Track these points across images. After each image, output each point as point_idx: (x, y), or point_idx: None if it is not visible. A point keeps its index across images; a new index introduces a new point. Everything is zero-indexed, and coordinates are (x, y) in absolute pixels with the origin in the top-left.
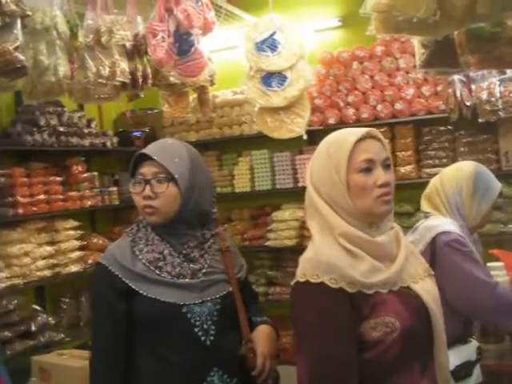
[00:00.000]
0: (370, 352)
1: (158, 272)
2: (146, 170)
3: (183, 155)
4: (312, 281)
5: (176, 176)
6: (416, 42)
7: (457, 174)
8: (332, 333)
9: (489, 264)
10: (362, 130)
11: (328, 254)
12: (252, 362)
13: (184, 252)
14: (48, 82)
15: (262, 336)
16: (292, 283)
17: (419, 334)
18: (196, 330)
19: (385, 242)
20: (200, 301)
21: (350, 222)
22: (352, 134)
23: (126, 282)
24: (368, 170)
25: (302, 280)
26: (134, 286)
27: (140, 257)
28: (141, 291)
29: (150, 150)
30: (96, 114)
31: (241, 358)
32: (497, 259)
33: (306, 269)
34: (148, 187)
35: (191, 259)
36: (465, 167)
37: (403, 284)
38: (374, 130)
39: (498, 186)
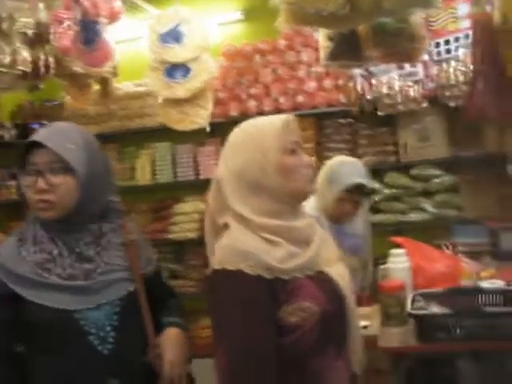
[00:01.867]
0: (289, 337)
1: (45, 275)
2: (38, 158)
3: (78, 141)
4: (229, 268)
5: (73, 165)
6: (321, 35)
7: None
8: (251, 320)
9: (391, 251)
10: (284, 116)
11: (245, 242)
12: (159, 369)
13: (77, 250)
14: None
15: (168, 340)
16: (207, 272)
17: (335, 317)
18: (91, 338)
19: (303, 226)
20: (95, 305)
21: (273, 207)
22: (275, 119)
23: (10, 286)
24: (294, 151)
25: (218, 267)
26: (18, 291)
27: (27, 258)
28: (26, 296)
29: (41, 135)
30: None
31: (147, 365)
32: (398, 246)
33: (222, 256)
34: (41, 179)
35: (85, 258)
36: (331, 160)
37: (318, 268)
38: (292, 117)
39: (346, 180)
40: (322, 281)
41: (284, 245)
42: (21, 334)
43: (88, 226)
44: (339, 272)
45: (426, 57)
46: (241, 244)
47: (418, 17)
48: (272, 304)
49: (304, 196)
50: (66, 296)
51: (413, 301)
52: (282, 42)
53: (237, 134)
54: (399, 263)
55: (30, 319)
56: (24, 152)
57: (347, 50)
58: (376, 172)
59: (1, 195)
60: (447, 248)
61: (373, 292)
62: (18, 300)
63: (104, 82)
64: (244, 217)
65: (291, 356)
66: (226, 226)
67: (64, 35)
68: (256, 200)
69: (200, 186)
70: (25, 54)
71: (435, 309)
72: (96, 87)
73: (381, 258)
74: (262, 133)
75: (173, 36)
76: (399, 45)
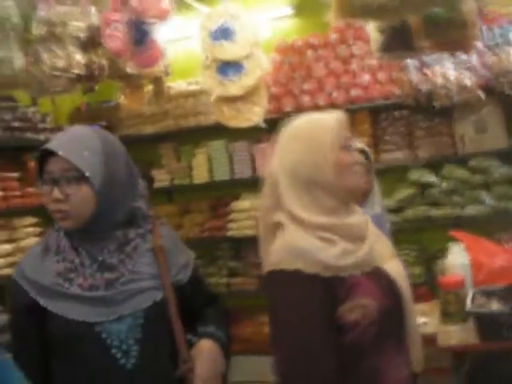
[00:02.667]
0: (348, 335)
1: (67, 285)
2: (53, 166)
3: (94, 146)
4: (286, 268)
5: (87, 174)
6: (371, 27)
7: None
8: (309, 320)
9: (450, 246)
10: (337, 112)
11: (300, 241)
12: None
13: (100, 259)
14: (3, 76)
15: (200, 353)
16: (264, 272)
17: (393, 313)
18: (113, 351)
19: (357, 223)
20: (116, 317)
21: (328, 203)
22: (329, 115)
23: (32, 296)
24: (348, 148)
25: (276, 268)
26: (41, 302)
27: (50, 268)
28: (47, 307)
29: (54, 143)
30: (50, 108)
31: (179, 380)
32: (457, 241)
33: (279, 256)
34: (56, 189)
35: (107, 266)
36: None
37: (374, 265)
38: (344, 114)
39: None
40: (379, 277)
41: (339, 242)
42: (45, 344)
43: (112, 234)
44: (395, 268)
45: (479, 44)
46: (296, 243)
47: (469, 4)
48: (330, 303)
49: (358, 193)
50: (87, 307)
51: (473, 298)
52: (333, 36)
53: (290, 130)
54: (458, 258)
55: (53, 330)
56: (40, 160)
57: (399, 41)
58: (433, 165)
59: None
60: (507, 242)
61: (431, 287)
62: (40, 310)
63: (157, 81)
64: (298, 216)
65: (351, 354)
66: (279, 225)
67: (114, 37)
68: (310, 197)
69: (257, 183)
70: (78, 57)
71: (496, 306)
72: (149, 87)
73: (439, 253)
74: (318, 129)
75: (223, 33)
76: (451, 34)
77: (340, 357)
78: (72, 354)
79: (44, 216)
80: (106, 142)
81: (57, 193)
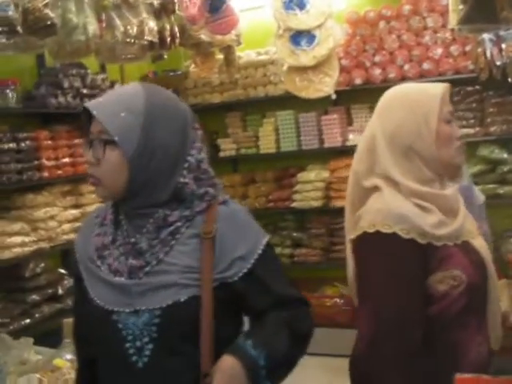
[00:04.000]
0: (435, 307)
1: (99, 263)
2: (93, 127)
3: (135, 106)
4: (383, 231)
5: (116, 138)
6: None
7: None
8: (403, 283)
9: None
10: (442, 84)
11: (399, 206)
12: None
13: (132, 240)
14: (77, 42)
15: (219, 372)
16: (356, 235)
17: (480, 288)
18: (127, 345)
19: (452, 195)
20: (132, 309)
21: (424, 173)
22: (436, 86)
23: (78, 267)
24: (450, 121)
25: (371, 230)
26: (81, 275)
27: (93, 240)
28: (85, 283)
29: (94, 101)
30: (118, 76)
31: None
32: None
33: (375, 219)
34: (90, 151)
35: (136, 251)
36: None
37: (464, 238)
38: (449, 86)
39: None
40: (469, 251)
41: (435, 212)
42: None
43: (153, 212)
44: (481, 244)
45: None
46: (395, 207)
47: None
48: (423, 270)
49: (454, 168)
50: (109, 293)
51: None
52: (406, 8)
53: (395, 94)
54: None
55: (80, 310)
56: (86, 120)
57: (482, 12)
58: (505, 141)
59: None
60: None
61: (500, 266)
62: (83, 284)
63: (227, 50)
64: (395, 180)
65: (436, 325)
66: (373, 189)
67: (191, 4)
68: (408, 164)
69: (324, 155)
70: (151, 24)
71: None
72: (219, 56)
73: (509, 231)
74: (425, 97)
75: (297, 3)
76: None
77: (425, 327)
78: (92, 339)
79: None
80: (153, 101)
81: (89, 156)
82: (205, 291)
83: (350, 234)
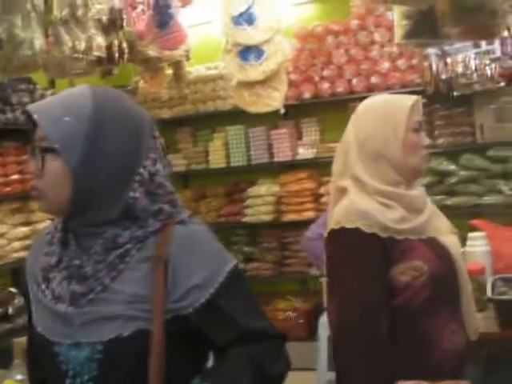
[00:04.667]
0: (399, 298)
1: (43, 287)
2: (36, 133)
3: (81, 109)
4: (347, 226)
5: (56, 145)
6: (396, 13)
7: None
8: (366, 276)
9: (470, 234)
10: (412, 96)
11: (362, 204)
12: None
13: (77, 262)
14: (24, 57)
15: None
16: (326, 232)
17: (446, 279)
18: (67, 382)
19: (416, 195)
20: (73, 342)
21: (392, 177)
22: (406, 97)
23: (27, 288)
24: (418, 130)
25: (336, 227)
26: (30, 296)
27: (41, 260)
28: (31, 306)
29: (37, 104)
30: None
31: None
32: (475, 230)
33: (340, 216)
34: (34, 161)
35: (79, 276)
36: None
37: (430, 235)
38: (419, 97)
39: None
40: (434, 245)
41: (398, 209)
42: None
43: (102, 232)
44: (450, 241)
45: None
46: (358, 205)
47: None
48: (385, 262)
49: (419, 173)
50: (50, 321)
51: (493, 286)
52: (354, 22)
53: (367, 105)
54: (478, 246)
55: (32, 334)
56: (31, 126)
57: (425, 27)
58: (452, 153)
59: None
60: None
61: None
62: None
63: (177, 65)
64: (362, 181)
65: (402, 315)
66: (344, 190)
67: (139, 20)
68: (376, 168)
69: (274, 169)
70: (99, 40)
71: None
72: (169, 71)
73: None
74: (394, 108)
75: (246, 18)
76: (479, 21)
77: (390, 318)
78: (38, 366)
79: None
80: (101, 105)
81: (32, 165)
82: (154, 324)
83: None
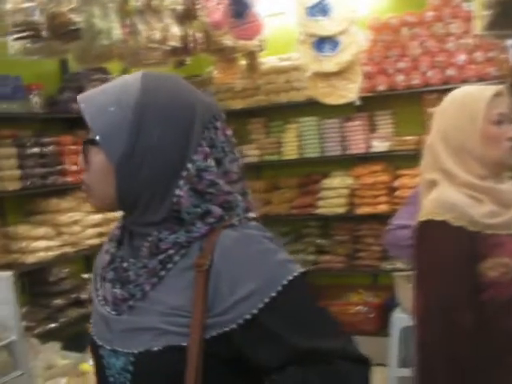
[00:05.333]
0: (485, 293)
1: (98, 285)
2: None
3: (127, 100)
4: (435, 218)
5: (97, 137)
6: (476, 3)
7: None
8: (452, 269)
9: None
10: (495, 87)
11: (451, 196)
12: None
13: (124, 265)
14: (101, 46)
15: None
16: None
17: None
18: None
19: (505, 190)
20: (112, 348)
21: (477, 170)
22: (487, 89)
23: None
24: (500, 122)
25: (424, 219)
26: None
27: (100, 256)
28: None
29: (87, 93)
30: None
31: None
32: None
33: (428, 209)
34: (82, 154)
35: (123, 279)
36: None
37: None
38: (504, 88)
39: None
40: None
41: (487, 203)
42: None
43: (148, 233)
44: None
45: None
46: (447, 197)
47: None
48: (472, 257)
49: (503, 167)
50: (99, 322)
51: None
52: (429, 14)
53: (448, 98)
54: None
55: None
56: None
57: (508, 18)
58: None
59: None
60: None
61: None
62: None
63: (251, 56)
64: (451, 173)
65: (486, 312)
66: (434, 183)
67: (215, 9)
68: (460, 161)
69: (347, 161)
70: (174, 29)
71: None
72: (242, 62)
73: None
74: (472, 100)
75: (320, 9)
76: None
77: (475, 312)
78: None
79: None
80: (149, 93)
81: (80, 159)
82: (191, 341)
83: None
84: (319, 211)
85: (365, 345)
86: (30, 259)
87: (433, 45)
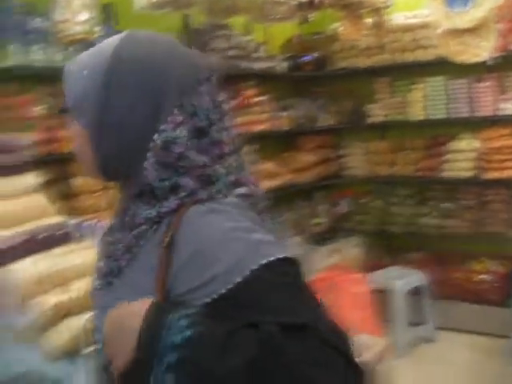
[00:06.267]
0: None
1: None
2: None
3: (100, 63)
4: None
5: (69, 104)
6: None
7: None
8: None
9: None
10: None
11: None
12: None
13: (109, 239)
14: (225, 1)
15: None
16: None
17: None
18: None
19: None
20: (95, 324)
21: None
22: None
23: None
24: None
25: None
26: None
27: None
28: None
29: (77, 57)
30: (262, 38)
31: None
32: None
33: None
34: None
35: (107, 252)
36: None
37: None
38: None
39: None
40: None
41: None
42: None
43: (128, 207)
44: None
45: None
46: None
47: None
48: None
49: None
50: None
51: None
52: None
53: None
54: None
55: None
56: None
57: None
58: None
59: (273, 126)
60: None
61: None
62: None
63: (377, 13)
64: None
65: None
66: None
67: None
68: None
69: (474, 124)
70: None
71: None
72: (368, 19)
73: None
74: None
75: None
76: None
77: None
78: None
79: (252, 144)
80: (122, 53)
81: (68, 127)
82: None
83: None
84: (445, 174)
85: (487, 314)
86: None
87: None
